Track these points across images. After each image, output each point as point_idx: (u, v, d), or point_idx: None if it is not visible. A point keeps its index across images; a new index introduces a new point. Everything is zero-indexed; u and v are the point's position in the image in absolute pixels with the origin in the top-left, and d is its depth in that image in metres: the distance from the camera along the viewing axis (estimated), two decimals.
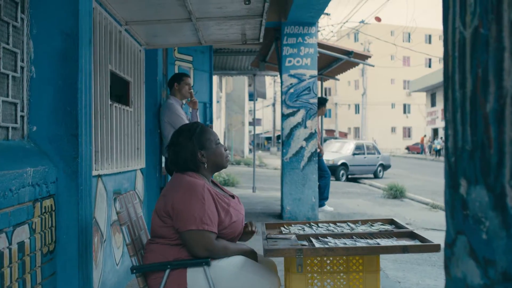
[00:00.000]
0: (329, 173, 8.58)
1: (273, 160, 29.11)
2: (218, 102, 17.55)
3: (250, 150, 32.80)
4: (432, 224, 7.70)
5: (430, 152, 38.31)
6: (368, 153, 19.03)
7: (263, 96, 20.72)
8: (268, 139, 57.47)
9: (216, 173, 14.94)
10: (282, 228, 2.87)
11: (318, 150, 7.78)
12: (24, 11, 2.61)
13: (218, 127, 18.74)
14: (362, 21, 22.16)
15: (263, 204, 9.27)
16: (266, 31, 8.28)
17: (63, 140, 2.64)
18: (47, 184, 2.52)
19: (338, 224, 2.94)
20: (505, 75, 0.89)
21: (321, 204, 8.22)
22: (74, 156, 2.65)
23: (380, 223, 2.92)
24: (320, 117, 9.16)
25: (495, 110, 0.92)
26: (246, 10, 3.77)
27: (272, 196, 10.41)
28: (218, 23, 4.18)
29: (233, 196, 2.68)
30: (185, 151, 2.51)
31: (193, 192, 2.38)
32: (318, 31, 16.57)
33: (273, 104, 43.68)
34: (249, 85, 21.02)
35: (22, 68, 2.58)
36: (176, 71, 6.13)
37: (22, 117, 2.58)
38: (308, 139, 7.51)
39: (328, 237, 2.54)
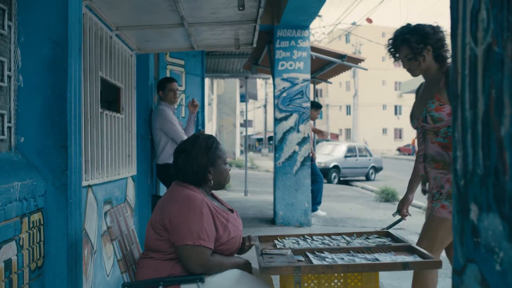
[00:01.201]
0: (321, 177, 8.53)
1: (264, 162, 29.05)
2: (209, 104, 17.46)
3: (241, 151, 32.71)
4: None
5: None
6: (360, 156, 19.02)
7: (255, 97, 20.66)
8: (259, 140, 57.40)
9: None
10: (276, 241, 2.80)
11: (311, 155, 7.72)
12: (12, 19, 2.52)
13: (210, 129, 18.66)
14: (354, 23, 22.16)
15: (255, 208, 9.21)
16: (259, 34, 8.20)
17: (52, 151, 2.56)
18: (35, 198, 2.44)
19: (333, 236, 2.88)
20: None
21: (314, 209, 8.16)
22: (63, 168, 2.56)
23: (376, 235, 2.86)
24: (313, 121, 9.11)
25: (510, 134, 0.85)
26: (239, 15, 3.70)
27: (265, 200, 10.35)
28: (211, 28, 4.11)
29: (232, 210, 2.61)
30: (198, 164, 2.44)
31: (192, 206, 2.31)
32: (310, 33, 16.56)
33: (265, 106, 43.64)
34: (241, 87, 20.95)
35: (9, 77, 2.49)
36: (168, 75, 6.05)
37: (9, 128, 2.50)
38: (301, 143, 7.46)
39: (325, 252, 2.47)
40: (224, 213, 2.44)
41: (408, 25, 2.96)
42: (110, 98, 4.70)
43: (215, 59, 10.75)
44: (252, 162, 26.89)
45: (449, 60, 2.94)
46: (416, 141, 3.05)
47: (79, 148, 2.71)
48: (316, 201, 8.25)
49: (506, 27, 0.87)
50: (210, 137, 2.54)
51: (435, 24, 2.95)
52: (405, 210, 3.21)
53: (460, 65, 1.06)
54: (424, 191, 3.11)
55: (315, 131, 8.42)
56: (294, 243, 2.76)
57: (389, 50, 3.02)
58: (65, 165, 2.57)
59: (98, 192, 3.53)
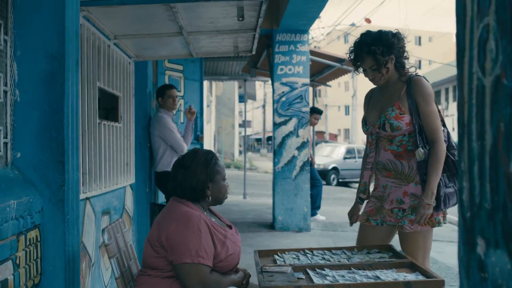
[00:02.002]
0: (321, 181, 8.50)
1: (263, 162, 29.01)
2: (208, 106, 17.42)
3: (240, 152, 32.66)
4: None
5: None
6: (359, 157, 18.96)
7: (253, 97, 20.64)
8: (258, 140, 57.36)
9: None
10: (276, 256, 2.76)
11: (310, 159, 7.69)
12: (8, 32, 2.48)
13: (208, 131, 18.61)
14: (353, 24, 22.13)
15: (254, 212, 9.17)
16: (258, 38, 8.19)
17: (49, 167, 2.52)
18: (32, 215, 2.40)
19: (333, 251, 2.84)
20: None
21: (313, 214, 8.13)
22: (60, 184, 2.53)
23: (377, 249, 2.83)
24: (312, 126, 9.08)
25: None
26: (239, 24, 3.67)
27: (264, 203, 10.31)
28: (210, 37, 4.08)
29: (230, 226, 2.58)
30: (197, 180, 2.40)
31: (189, 223, 2.28)
32: (308, 33, 16.51)
33: (263, 106, 43.60)
34: (239, 87, 20.92)
35: (5, 92, 2.45)
36: (166, 81, 6.02)
37: (5, 143, 2.46)
38: (300, 148, 7.42)
39: (326, 269, 2.44)
40: (222, 229, 2.41)
41: (370, 32, 2.87)
42: (109, 106, 4.67)
43: (214, 62, 10.71)
44: (251, 163, 26.86)
45: (409, 67, 2.91)
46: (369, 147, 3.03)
47: (76, 163, 2.68)
48: (315, 206, 8.22)
49: None
50: (209, 152, 2.51)
51: (395, 31, 2.90)
52: (356, 218, 3.16)
53: (467, 94, 1.02)
54: (361, 199, 3.08)
55: None
56: (294, 258, 2.73)
57: (351, 59, 2.95)
58: (62, 180, 2.53)
59: (96, 203, 3.50)
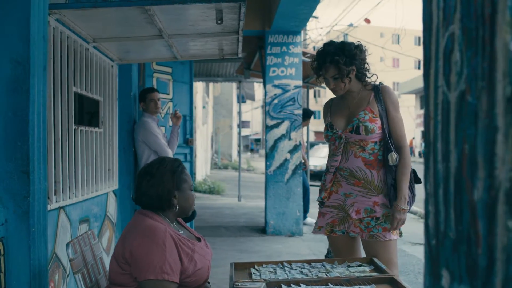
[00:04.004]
0: (308, 188, 8.38)
1: (261, 163, 28.89)
2: (204, 107, 17.32)
3: (238, 152, 32.51)
4: (420, 237, 7.52)
5: (419, 155, 38.28)
6: None
7: (252, 98, 20.54)
8: (257, 140, 57.27)
9: (201, 181, 14.69)
10: (253, 270, 2.65)
11: (303, 161, 7.58)
12: None
13: (205, 132, 18.52)
14: (351, 24, 22.02)
15: (247, 216, 9.07)
16: (250, 39, 8.08)
17: (13, 177, 2.42)
18: None
19: (313, 264, 2.73)
20: (498, 163, 0.67)
21: (303, 217, 8.02)
22: (25, 195, 2.42)
23: (358, 263, 2.72)
24: (305, 127, 8.99)
25: (484, 202, 0.71)
26: (220, 27, 3.56)
27: (258, 206, 10.20)
28: (192, 40, 3.97)
29: (199, 239, 2.47)
30: (163, 187, 2.28)
31: (153, 237, 2.16)
32: (306, 34, 16.39)
33: (262, 106, 43.52)
34: (238, 88, 20.85)
35: None
36: (154, 84, 5.91)
37: None
38: (292, 151, 7.32)
39: (302, 285, 2.33)
40: (190, 242, 2.29)
41: (333, 43, 2.95)
42: (93, 110, 4.57)
43: (208, 63, 10.60)
44: (248, 163, 26.77)
45: (370, 76, 2.96)
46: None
47: (44, 173, 2.57)
48: (303, 209, 8.11)
49: (480, 75, 0.73)
50: (176, 160, 2.40)
51: (357, 43, 2.97)
52: (318, 227, 3.09)
53: (432, 110, 0.92)
54: (322, 203, 3.05)
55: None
56: (271, 272, 2.62)
57: (313, 68, 2.98)
58: (27, 191, 2.43)
59: (72, 212, 3.39)
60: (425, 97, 0.95)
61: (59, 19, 3.12)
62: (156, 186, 2.28)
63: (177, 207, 2.31)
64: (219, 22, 3.12)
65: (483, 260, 0.71)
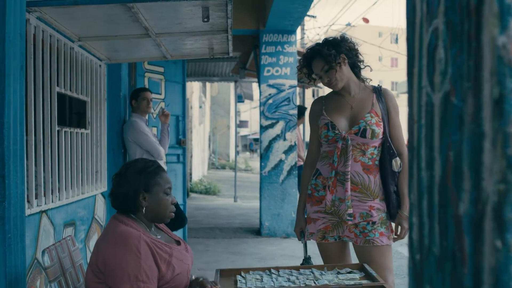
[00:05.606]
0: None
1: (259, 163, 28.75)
2: (201, 107, 17.23)
3: (237, 152, 32.43)
4: None
5: None
6: None
7: (250, 97, 20.41)
8: (256, 140, 57.20)
9: (197, 181, 14.58)
10: (239, 277, 2.56)
11: (300, 160, 7.47)
12: None
13: (202, 132, 18.43)
14: (349, 24, 21.92)
15: (243, 217, 8.98)
16: (245, 39, 7.99)
17: None
18: None
19: (301, 271, 2.64)
20: (485, 173, 0.59)
21: None
22: (0, 200, 2.32)
23: (348, 269, 2.62)
24: (301, 125, 8.90)
25: (470, 216, 0.62)
26: (209, 26, 3.46)
27: (254, 207, 10.10)
28: (181, 38, 3.88)
29: (179, 242, 2.37)
30: (128, 186, 2.19)
31: (127, 244, 2.06)
32: (304, 33, 16.29)
33: None
34: (236, 87, 20.75)
35: None
36: (146, 83, 5.80)
37: None
38: (287, 152, 7.23)
39: None
40: (166, 247, 2.19)
41: (316, 42, 2.92)
42: (81, 111, 4.47)
43: (203, 63, 10.51)
44: (246, 163, 26.65)
45: (363, 68, 2.88)
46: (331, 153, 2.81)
47: (21, 176, 2.47)
48: None
49: (466, 74, 0.64)
50: (153, 162, 2.30)
51: (342, 35, 2.93)
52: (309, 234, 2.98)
53: (416, 112, 0.83)
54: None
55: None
56: (257, 279, 2.53)
57: (303, 72, 2.91)
58: (2, 196, 2.32)
59: (56, 215, 3.29)
60: (409, 99, 0.87)
61: (40, 17, 3.02)
62: (123, 185, 2.19)
63: (145, 209, 2.20)
64: (205, 20, 3.02)
65: (469, 281, 0.64)
